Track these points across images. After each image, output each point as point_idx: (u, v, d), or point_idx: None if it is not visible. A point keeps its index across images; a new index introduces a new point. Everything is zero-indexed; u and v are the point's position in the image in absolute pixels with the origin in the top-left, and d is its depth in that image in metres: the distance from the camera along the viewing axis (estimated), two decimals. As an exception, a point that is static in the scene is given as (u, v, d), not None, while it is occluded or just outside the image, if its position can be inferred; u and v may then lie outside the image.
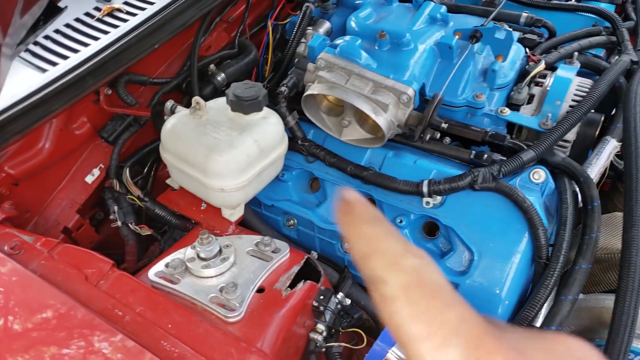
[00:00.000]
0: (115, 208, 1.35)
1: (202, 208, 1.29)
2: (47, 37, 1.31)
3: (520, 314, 1.17)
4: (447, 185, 1.26)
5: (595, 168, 1.35)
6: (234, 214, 1.25)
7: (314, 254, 1.43)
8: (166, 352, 0.93)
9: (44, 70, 1.24)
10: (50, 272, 1.03)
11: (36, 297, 0.95)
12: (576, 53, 1.50)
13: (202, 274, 1.09)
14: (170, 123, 1.21)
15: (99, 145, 1.38)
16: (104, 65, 1.24)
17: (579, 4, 1.71)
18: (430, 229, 1.39)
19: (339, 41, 1.38)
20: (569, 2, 1.72)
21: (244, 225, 1.37)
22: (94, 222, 1.44)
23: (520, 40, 1.54)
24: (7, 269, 0.99)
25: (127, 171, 1.32)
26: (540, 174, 1.28)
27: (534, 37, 1.57)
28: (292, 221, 1.47)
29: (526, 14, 1.60)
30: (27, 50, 1.29)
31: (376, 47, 1.40)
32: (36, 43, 1.30)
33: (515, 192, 1.21)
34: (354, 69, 1.32)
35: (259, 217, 1.43)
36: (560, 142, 1.39)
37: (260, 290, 1.10)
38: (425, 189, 1.27)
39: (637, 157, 1.17)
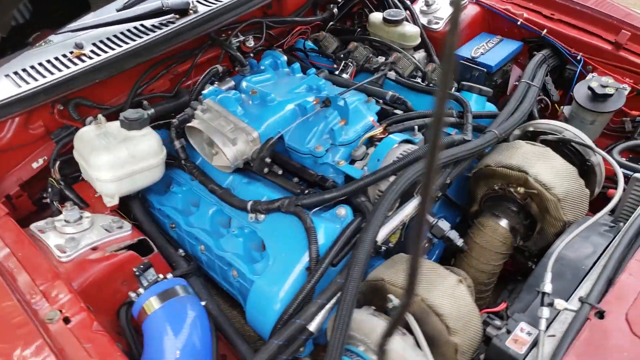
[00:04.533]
0: (49, 190, 1.89)
1: (95, 195, 1.79)
2: (32, 67, 1.93)
3: (288, 306, 1.49)
4: (264, 206, 1.65)
5: (396, 218, 1.66)
6: (109, 202, 1.73)
7: (181, 252, 1.85)
8: (5, 268, 1.39)
9: (19, 86, 1.85)
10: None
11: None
12: (416, 127, 1.84)
13: (62, 230, 1.56)
14: (80, 131, 1.75)
15: (50, 144, 1.94)
16: (54, 87, 1.82)
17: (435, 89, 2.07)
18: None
19: (224, 94, 1.87)
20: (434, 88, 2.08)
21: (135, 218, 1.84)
22: (37, 199, 1.98)
23: (379, 112, 1.93)
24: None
25: (56, 164, 1.86)
26: (341, 211, 1.63)
27: (394, 110, 1.95)
28: (173, 225, 1.91)
29: (391, 93, 1.99)
30: (16, 72, 1.90)
31: (250, 102, 1.86)
32: (24, 70, 1.92)
33: (303, 216, 1.57)
34: (223, 113, 1.79)
35: (148, 216, 1.90)
36: (379, 192, 1.72)
37: (94, 248, 1.54)
38: (249, 207, 1.67)
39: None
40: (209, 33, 2.14)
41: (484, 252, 1.80)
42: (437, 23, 2.48)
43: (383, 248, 1.66)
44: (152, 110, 1.73)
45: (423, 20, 2.51)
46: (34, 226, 1.59)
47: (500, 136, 1.84)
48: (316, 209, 1.64)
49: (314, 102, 1.83)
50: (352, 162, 1.81)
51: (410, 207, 1.66)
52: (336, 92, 1.93)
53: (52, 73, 1.89)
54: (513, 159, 1.79)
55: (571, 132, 1.91)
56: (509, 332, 1.42)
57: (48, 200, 1.88)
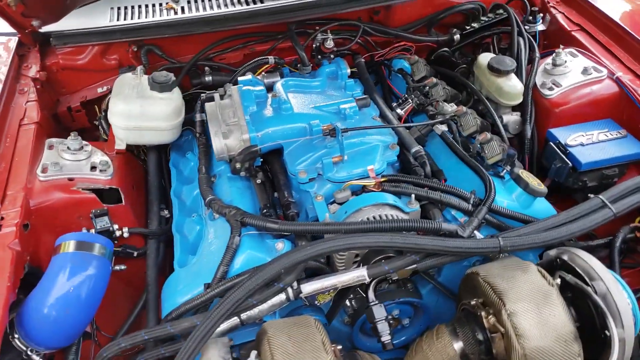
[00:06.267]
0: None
1: (115, 135, 1.97)
2: (132, 6, 2.16)
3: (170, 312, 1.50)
4: (217, 207, 1.64)
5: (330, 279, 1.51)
6: (119, 145, 1.88)
7: (167, 212, 1.97)
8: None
9: (111, 20, 2.09)
10: None
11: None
12: (413, 196, 1.60)
13: (60, 153, 1.78)
14: (121, 75, 1.93)
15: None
16: (130, 31, 2.02)
17: (476, 163, 1.71)
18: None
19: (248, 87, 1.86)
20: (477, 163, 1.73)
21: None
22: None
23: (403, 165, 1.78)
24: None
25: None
26: (279, 245, 1.55)
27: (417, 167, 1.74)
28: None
29: (417, 148, 1.74)
30: (118, 7, 2.15)
31: (268, 104, 1.82)
32: (125, 7, 2.16)
33: (233, 233, 1.52)
34: (237, 104, 1.79)
35: (159, 170, 2.03)
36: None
37: (71, 179, 1.72)
38: (207, 200, 1.68)
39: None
40: (289, 23, 2.12)
41: (423, 362, 1.54)
42: (551, 89, 2.04)
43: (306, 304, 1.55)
44: (173, 78, 1.82)
45: (539, 79, 2.09)
46: (48, 140, 1.84)
47: (504, 248, 1.49)
48: (258, 231, 1.57)
49: (323, 127, 1.72)
50: (333, 202, 1.66)
51: (348, 276, 1.49)
52: (365, 123, 1.78)
53: (138, 17, 2.10)
54: (504, 280, 1.46)
55: (606, 285, 1.46)
56: None
57: (97, 123, 2.15)
